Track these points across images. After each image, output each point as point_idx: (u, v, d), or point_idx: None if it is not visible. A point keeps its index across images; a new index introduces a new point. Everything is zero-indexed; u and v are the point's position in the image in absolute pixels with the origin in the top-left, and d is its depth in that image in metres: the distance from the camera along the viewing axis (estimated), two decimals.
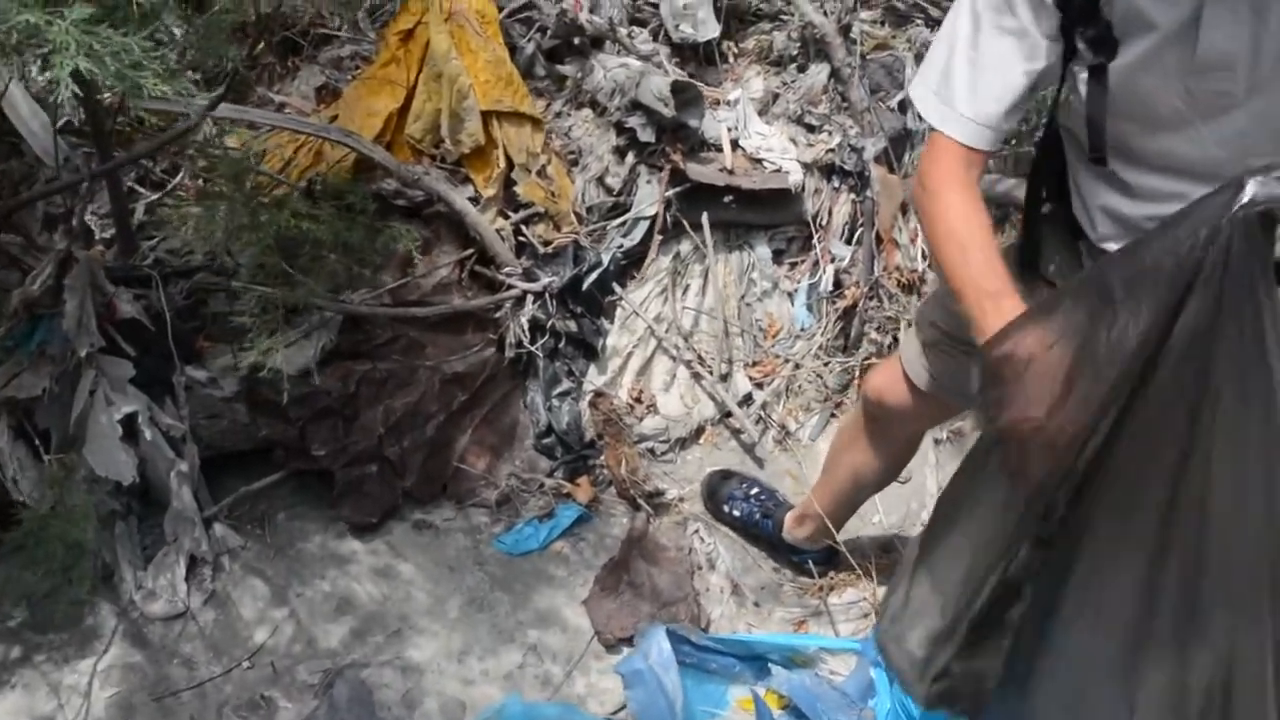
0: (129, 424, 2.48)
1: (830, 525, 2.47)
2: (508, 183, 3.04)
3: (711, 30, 3.34)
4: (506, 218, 3.04)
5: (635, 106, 3.07)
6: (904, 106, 3.33)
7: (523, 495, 2.83)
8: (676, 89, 3.02)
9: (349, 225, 2.70)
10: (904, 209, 3.21)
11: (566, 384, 2.94)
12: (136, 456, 2.48)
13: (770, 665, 2.34)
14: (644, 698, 2.11)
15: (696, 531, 2.74)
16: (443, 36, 3.00)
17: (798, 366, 3.12)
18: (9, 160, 2.94)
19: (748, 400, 3.09)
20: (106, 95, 2.65)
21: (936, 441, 2.99)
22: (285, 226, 2.62)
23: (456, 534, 2.75)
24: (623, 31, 3.34)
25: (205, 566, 2.57)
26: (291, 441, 2.69)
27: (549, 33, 3.34)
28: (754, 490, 2.78)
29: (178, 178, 3.04)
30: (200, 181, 3.10)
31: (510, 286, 2.90)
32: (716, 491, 2.83)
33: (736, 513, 2.76)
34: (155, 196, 3.01)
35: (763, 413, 3.07)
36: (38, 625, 2.42)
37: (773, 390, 3.10)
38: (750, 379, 3.11)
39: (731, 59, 3.53)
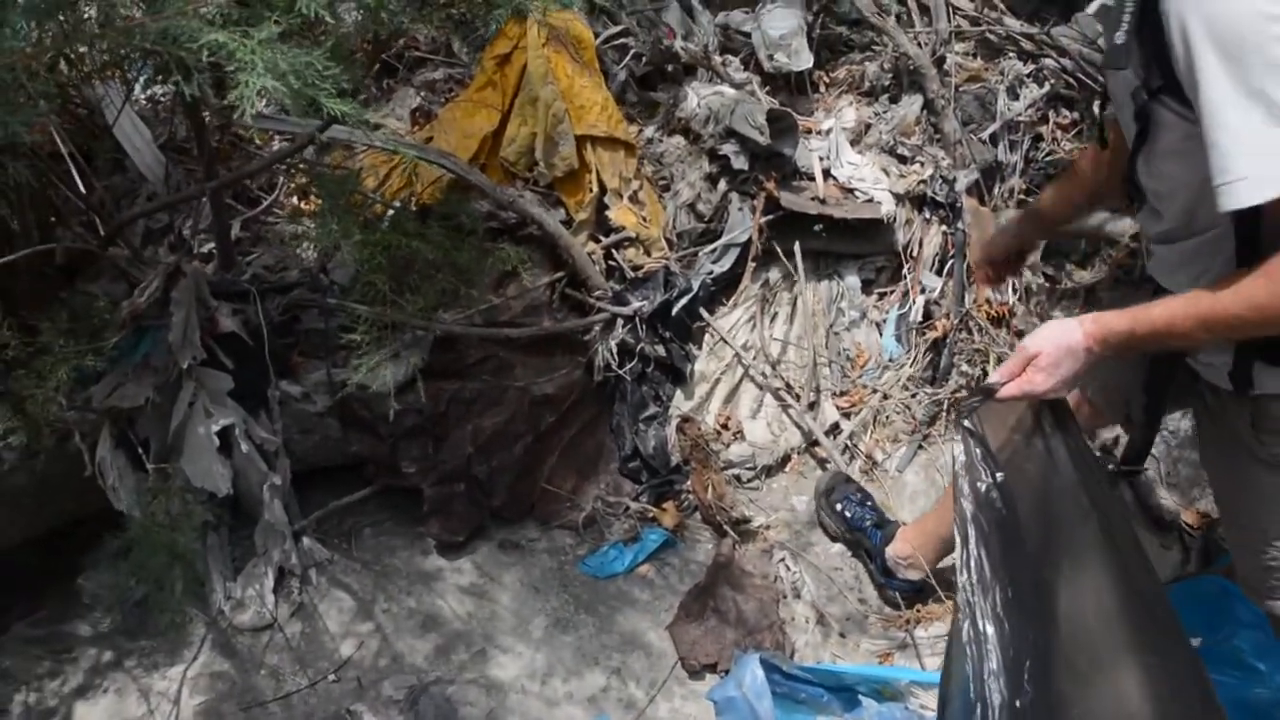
0: (225, 436, 2.52)
1: (930, 556, 2.44)
2: (600, 207, 3.06)
3: (805, 61, 3.34)
4: (598, 241, 3.06)
5: (729, 134, 3.08)
6: (995, 139, 3.30)
7: (608, 518, 2.83)
8: (771, 117, 3.02)
9: (458, 245, 2.71)
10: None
11: (653, 408, 2.94)
12: (231, 468, 2.51)
13: (860, 697, 2.30)
14: None
15: (783, 560, 2.72)
16: (540, 61, 3.03)
17: (885, 397, 3.09)
18: (112, 176, 3.02)
19: (834, 430, 3.07)
20: (207, 113, 2.71)
21: None
22: (396, 245, 2.65)
23: (542, 555, 2.75)
24: (716, 59, 3.35)
25: (293, 579, 2.59)
26: (382, 458, 2.71)
27: (643, 59, 3.37)
28: (869, 500, 2.77)
29: (274, 195, 3.10)
30: (297, 200, 3.16)
31: (600, 310, 2.91)
32: (833, 490, 2.82)
33: (848, 513, 2.74)
34: (252, 213, 3.06)
35: (850, 443, 3.04)
36: (130, 631, 2.46)
37: (860, 420, 3.07)
38: (837, 408, 3.09)
39: (823, 88, 3.53)
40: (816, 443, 3.00)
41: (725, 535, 2.74)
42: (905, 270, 3.18)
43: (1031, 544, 1.64)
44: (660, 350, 2.93)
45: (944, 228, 3.20)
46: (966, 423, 1.68)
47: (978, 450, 1.67)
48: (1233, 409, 1.72)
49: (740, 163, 3.04)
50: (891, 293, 3.23)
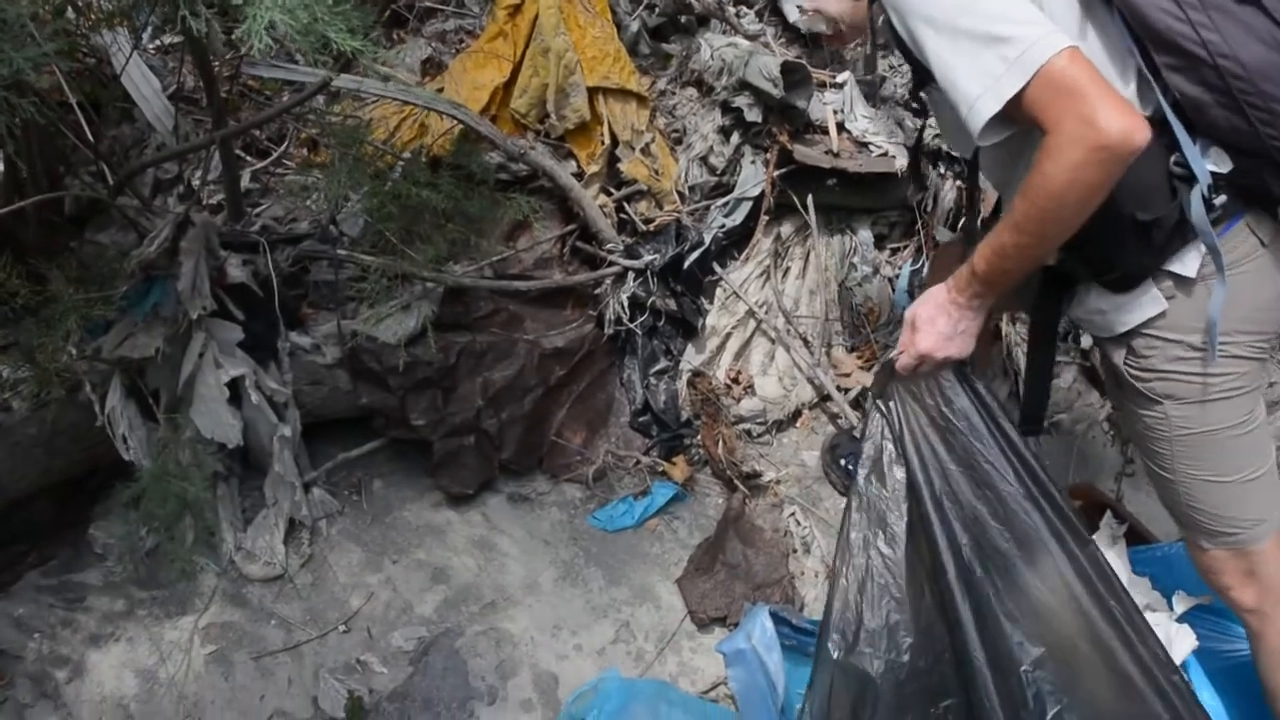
0: (234, 387, 2.51)
1: None
2: (611, 160, 3.03)
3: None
4: (609, 194, 3.03)
5: (743, 86, 3.04)
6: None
7: (618, 472, 2.83)
8: (786, 69, 2.98)
9: (469, 195, 2.70)
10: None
11: (664, 362, 2.92)
12: (241, 420, 2.51)
13: None
14: (745, 677, 2.08)
15: (793, 514, 2.71)
16: (551, 11, 3.00)
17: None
18: (120, 126, 2.99)
19: (846, 385, 3.04)
20: (217, 63, 2.68)
21: None
22: (406, 196, 2.64)
23: (551, 508, 2.75)
24: (730, 10, 3.31)
25: (304, 530, 2.60)
26: (391, 410, 2.70)
27: (656, 10, 3.33)
28: None
29: (283, 146, 3.07)
30: (307, 151, 3.13)
31: (611, 263, 2.89)
32: (839, 445, 2.83)
33: (852, 466, 2.74)
34: (262, 164, 3.04)
35: (861, 398, 3.02)
36: (142, 581, 2.46)
37: (872, 375, 3.05)
38: (850, 363, 3.06)
39: (839, 42, 3.47)
40: (828, 398, 2.99)
41: (735, 490, 2.73)
42: (919, 225, 3.15)
43: (940, 518, 1.69)
44: (671, 304, 2.91)
45: (958, 182, 3.16)
46: (880, 401, 1.75)
47: (885, 425, 1.74)
48: (1114, 353, 1.79)
49: (754, 115, 3.00)
50: (905, 248, 3.20)
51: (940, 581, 1.68)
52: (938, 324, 1.67)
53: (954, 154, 3.14)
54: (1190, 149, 1.57)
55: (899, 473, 1.72)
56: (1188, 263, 1.65)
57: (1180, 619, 2.25)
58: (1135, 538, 2.63)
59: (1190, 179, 1.59)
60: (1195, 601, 2.24)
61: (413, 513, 2.69)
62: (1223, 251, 1.63)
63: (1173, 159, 1.58)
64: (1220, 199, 1.61)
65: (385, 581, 2.54)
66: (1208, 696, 2.16)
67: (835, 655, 1.72)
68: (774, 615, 2.18)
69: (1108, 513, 2.58)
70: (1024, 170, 1.49)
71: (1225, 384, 1.73)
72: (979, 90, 1.48)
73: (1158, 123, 1.56)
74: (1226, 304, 1.67)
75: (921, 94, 1.75)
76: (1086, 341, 3.07)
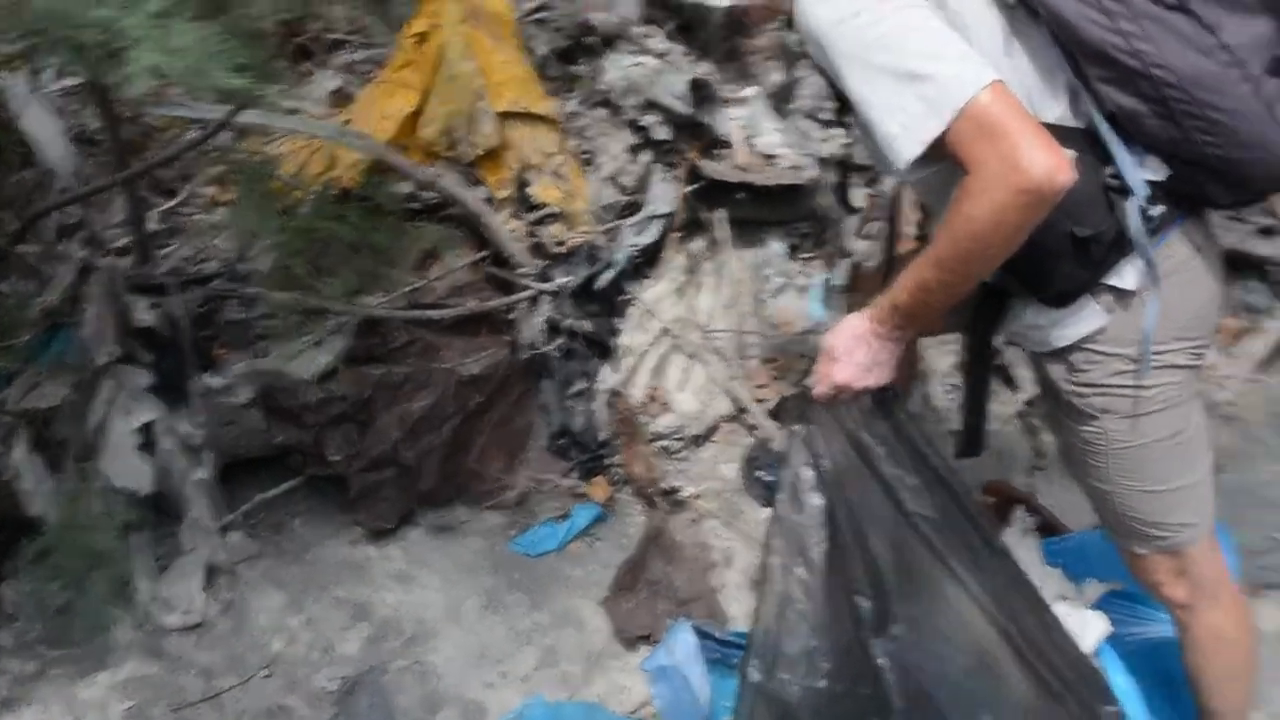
0: (146, 433, 2.49)
1: None
2: (522, 184, 3.03)
3: None
4: (521, 219, 3.03)
5: (651, 105, 3.06)
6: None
7: (538, 496, 2.83)
8: (693, 86, 3.01)
9: (377, 227, 2.69)
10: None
11: (581, 384, 2.93)
12: (152, 466, 2.49)
13: None
14: (669, 694, 2.09)
15: (714, 529, 2.73)
16: (457, 38, 3.00)
17: (814, 362, 3.09)
18: (22, 170, 2.96)
19: (763, 397, 3.06)
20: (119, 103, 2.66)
21: None
22: (315, 231, 2.63)
23: (473, 536, 2.75)
24: (636, 30, 3.32)
25: (222, 575, 2.57)
26: (307, 447, 2.69)
27: (563, 32, 3.33)
28: None
29: (189, 185, 3.05)
30: (215, 189, 3.11)
31: (525, 287, 2.89)
32: (756, 458, 2.82)
33: (771, 479, 2.75)
34: (169, 205, 3.01)
35: (779, 410, 3.04)
36: (54, 640, 2.42)
37: (790, 386, 3.07)
38: (767, 375, 3.09)
39: (745, 56, 3.50)
40: (745, 410, 3.01)
41: (655, 507, 2.74)
42: (829, 235, 3.18)
43: (859, 544, 1.70)
44: (586, 325, 2.92)
45: (868, 190, 3.19)
46: (795, 428, 1.74)
47: (805, 452, 1.72)
48: (1051, 369, 1.78)
49: (662, 133, 3.03)
50: (817, 258, 3.22)
51: (857, 604, 1.69)
52: (856, 355, 1.67)
53: (861, 163, 3.17)
54: (1125, 161, 1.57)
55: (817, 499, 1.72)
56: (1127, 276, 1.64)
57: (1093, 606, 2.30)
58: (1047, 530, 2.68)
59: (1126, 191, 1.58)
60: (1106, 588, 2.28)
61: (332, 550, 2.67)
62: (1160, 261, 1.63)
63: (1107, 172, 1.58)
64: (1157, 209, 1.61)
65: (307, 622, 2.52)
66: (1120, 678, 2.19)
67: (755, 680, 1.72)
68: (697, 630, 2.20)
69: (1020, 508, 2.62)
70: (949, 200, 1.49)
71: (1163, 394, 1.74)
72: (898, 131, 1.46)
73: (1090, 135, 1.57)
74: (1164, 313, 1.67)
75: (847, 118, 1.72)
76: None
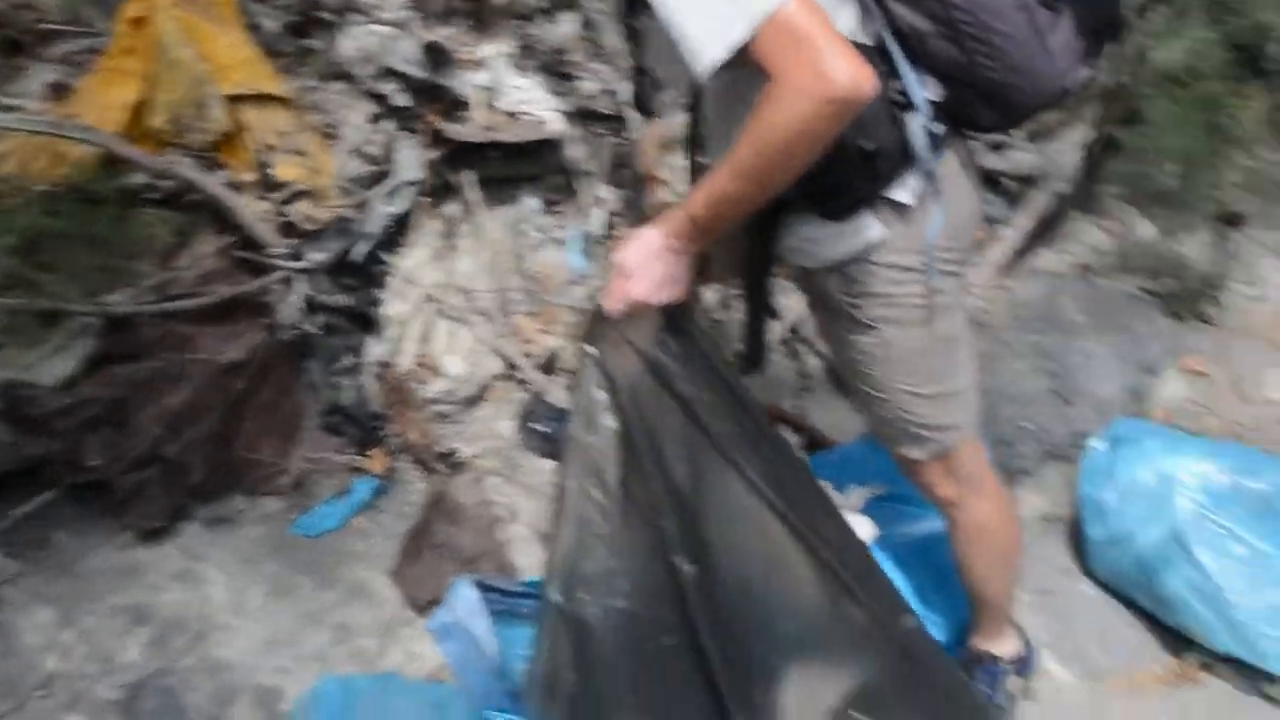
0: None
1: None
2: (263, 165, 2.96)
3: None
4: (268, 199, 2.96)
5: (387, 73, 3.03)
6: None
7: (316, 476, 2.79)
8: (427, 50, 2.99)
9: (116, 220, 2.58)
10: (666, 145, 3.25)
11: (348, 359, 2.91)
12: None
13: None
14: (458, 650, 2.11)
15: (494, 486, 2.75)
16: (171, 23, 2.89)
17: (580, 311, 3.14)
18: None
19: (532, 351, 3.09)
20: None
21: None
22: (37, 229, 2.50)
23: (251, 525, 2.69)
24: (367, 0, 3.27)
25: None
26: (62, 456, 2.57)
27: (291, 7, 3.26)
28: (565, 415, 2.81)
29: None
30: None
31: (277, 268, 2.83)
32: (532, 412, 2.86)
33: (549, 430, 2.78)
34: None
35: (549, 361, 3.08)
36: None
37: (557, 338, 3.11)
38: (534, 330, 3.12)
39: (482, 17, 3.50)
40: (515, 367, 3.03)
41: (435, 472, 2.75)
42: (582, 186, 3.22)
43: (657, 464, 1.72)
44: (346, 300, 2.89)
45: (614, 140, 3.25)
46: (588, 347, 1.73)
47: (597, 373, 1.73)
48: (827, 283, 1.85)
49: (401, 100, 3.01)
50: (573, 210, 3.27)
51: (657, 523, 1.73)
52: (651, 270, 1.66)
53: (605, 113, 3.23)
54: (909, 77, 1.64)
55: (611, 421, 1.72)
56: (904, 190, 1.71)
57: (860, 511, 2.43)
58: (815, 446, 2.81)
59: (909, 106, 1.65)
60: (870, 493, 2.42)
61: (102, 558, 2.57)
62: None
63: (893, 87, 1.64)
64: (938, 126, 1.69)
65: (82, 635, 2.42)
66: (892, 577, 2.32)
67: (555, 600, 1.73)
68: (479, 584, 2.21)
69: (788, 428, 2.74)
70: (745, 110, 1.50)
71: (936, 301, 1.83)
72: (703, 34, 1.45)
73: (877, 52, 1.62)
74: (935, 225, 1.75)
75: (632, 22, 1.69)
76: None
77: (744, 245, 1.89)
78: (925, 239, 1.76)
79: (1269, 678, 2.45)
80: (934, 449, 1.98)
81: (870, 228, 1.74)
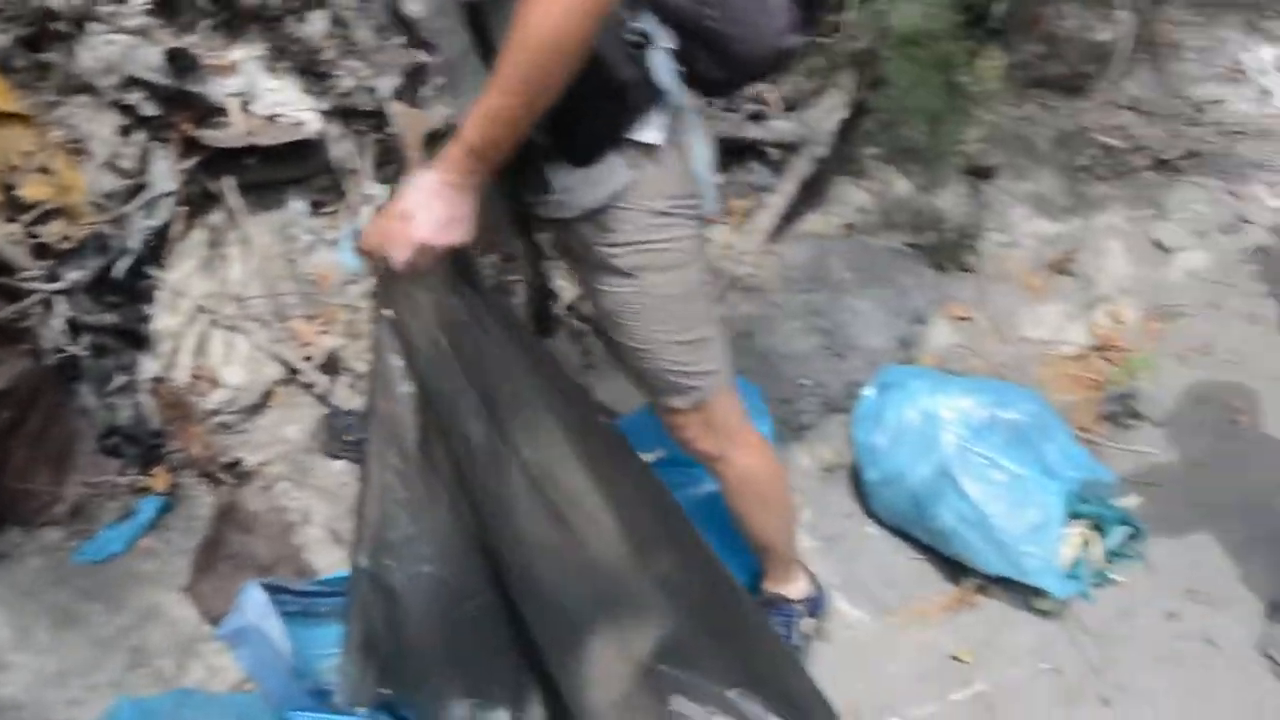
0: None
1: None
2: (8, 186, 2.85)
3: None
4: (18, 221, 2.85)
5: (131, 82, 2.95)
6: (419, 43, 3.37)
7: (97, 500, 2.71)
8: (171, 57, 2.92)
9: None
10: (431, 139, 3.27)
11: (121, 379, 2.83)
12: None
13: None
14: (252, 654, 2.06)
15: (285, 491, 2.74)
16: None
17: (357, 310, 3.14)
18: None
19: (311, 355, 3.08)
20: None
21: None
22: None
23: (31, 558, 2.60)
24: (105, 9, 3.17)
25: None
26: None
27: (22, 20, 3.12)
28: None
29: None
30: None
31: (33, 291, 2.73)
32: (334, 423, 2.84)
33: (354, 438, 2.78)
34: None
35: (331, 362, 3.07)
36: None
37: (337, 338, 3.10)
38: (312, 332, 3.10)
39: (230, 20, 3.43)
40: (297, 370, 3.02)
41: (222, 483, 2.72)
42: (348, 184, 3.22)
43: (455, 427, 1.73)
44: (113, 318, 2.82)
45: (377, 135, 3.25)
46: (383, 310, 1.71)
47: (392, 337, 1.72)
48: (584, 233, 1.88)
49: (149, 109, 2.93)
50: (342, 209, 3.26)
51: (459, 486, 1.75)
52: (433, 210, 1.61)
53: (365, 109, 3.22)
54: (648, 15, 1.70)
55: (408, 386, 1.72)
56: (649, 132, 1.76)
57: None
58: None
59: (647, 44, 1.70)
60: (651, 457, 2.49)
61: None
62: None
63: (632, 26, 1.68)
64: (678, 68, 1.75)
65: None
66: None
67: (364, 566, 1.75)
68: (268, 586, 2.19)
69: None
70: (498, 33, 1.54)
71: (686, 246, 1.90)
72: None
73: None
74: (681, 170, 1.83)
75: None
76: None
77: (504, 211, 1.92)
78: (674, 183, 1.84)
79: (1037, 593, 2.66)
80: (696, 397, 2.06)
81: (620, 171, 1.78)
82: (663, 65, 1.73)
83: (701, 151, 1.88)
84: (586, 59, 1.54)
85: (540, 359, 1.81)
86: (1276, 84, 4.93)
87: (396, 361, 1.71)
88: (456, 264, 1.70)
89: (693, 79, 1.83)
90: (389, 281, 1.69)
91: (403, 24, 1.71)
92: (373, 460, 1.74)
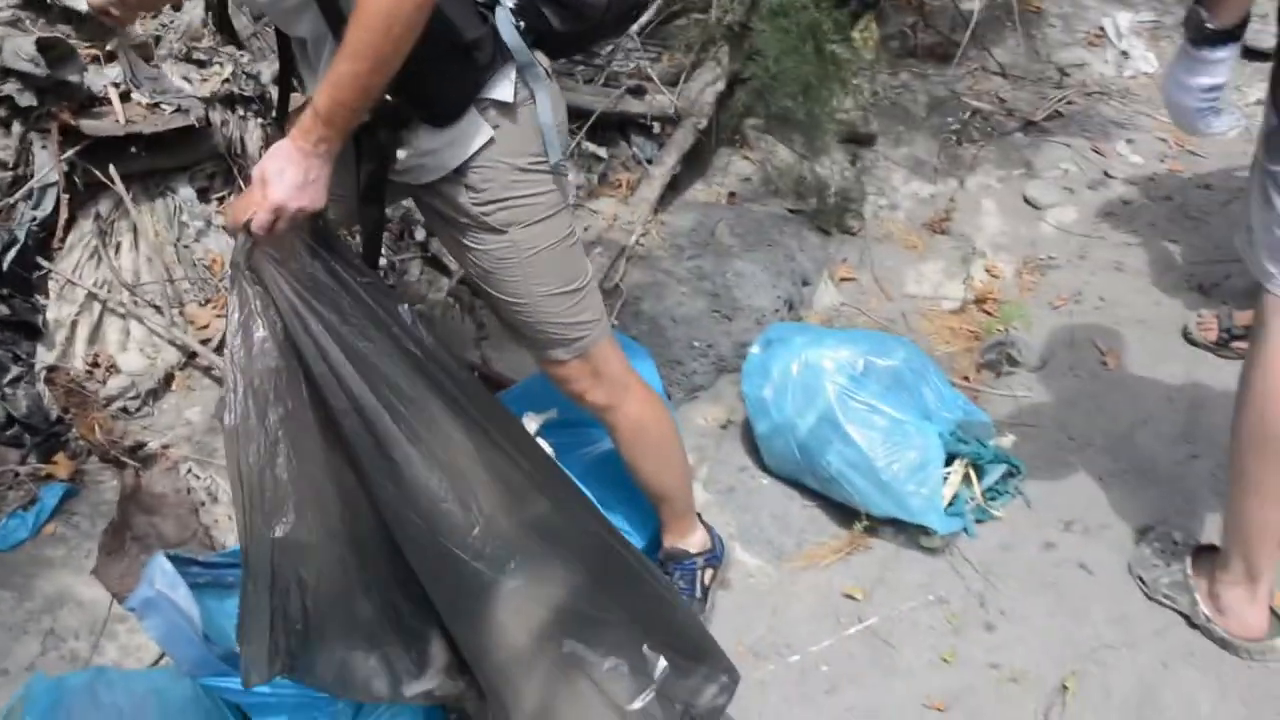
0: None
1: None
2: None
3: None
4: None
5: (6, 73, 2.92)
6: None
7: None
8: (44, 46, 2.91)
9: None
10: None
11: (15, 369, 2.82)
12: None
13: None
14: (163, 623, 2.04)
15: (190, 471, 2.75)
16: None
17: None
18: None
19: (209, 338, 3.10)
20: None
21: None
22: None
23: None
24: None
25: None
26: None
27: None
28: None
29: None
30: None
31: None
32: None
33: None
34: None
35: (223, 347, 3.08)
36: None
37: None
38: (209, 316, 3.11)
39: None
40: (195, 354, 3.03)
41: (126, 467, 2.72)
42: (235, 170, 3.23)
43: (324, 384, 1.73)
44: (3, 309, 2.80)
45: (261, 120, 3.27)
46: (244, 272, 1.70)
47: (253, 298, 1.69)
48: (452, 194, 1.92)
49: (26, 100, 2.90)
50: (230, 195, 3.27)
51: (339, 446, 1.76)
52: (287, 174, 1.63)
53: (247, 95, 3.24)
54: None
55: (271, 344, 1.70)
56: (505, 88, 1.82)
57: (535, 436, 2.56)
58: (496, 387, 2.94)
59: (493, 5, 1.77)
60: (543, 418, 2.55)
61: None
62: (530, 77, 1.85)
63: None
64: (523, 24, 1.81)
65: None
66: None
67: (261, 533, 1.73)
68: (175, 559, 2.18)
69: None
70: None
71: (553, 199, 1.96)
72: None
73: None
74: (536, 126, 1.88)
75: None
76: (421, 235, 3.35)
77: (359, 175, 1.90)
78: (532, 139, 1.90)
79: (924, 532, 2.78)
80: (578, 347, 2.12)
81: (479, 130, 1.84)
82: (506, 23, 1.80)
83: (548, 104, 1.92)
84: (432, 21, 1.59)
85: (396, 318, 1.79)
86: (1135, 48, 5.20)
87: (259, 322, 1.70)
88: (315, 229, 1.73)
89: (542, 39, 1.90)
90: (246, 243, 1.69)
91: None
92: (240, 430, 1.70)
